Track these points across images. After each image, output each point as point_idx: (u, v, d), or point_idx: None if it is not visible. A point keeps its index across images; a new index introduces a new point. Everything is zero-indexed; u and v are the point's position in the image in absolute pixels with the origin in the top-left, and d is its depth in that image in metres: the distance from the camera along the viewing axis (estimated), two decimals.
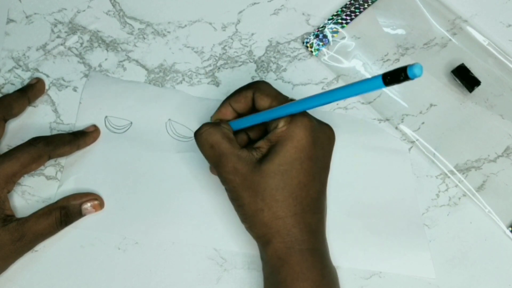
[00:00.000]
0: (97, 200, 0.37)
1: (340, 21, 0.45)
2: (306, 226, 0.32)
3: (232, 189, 0.32)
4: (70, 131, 0.40)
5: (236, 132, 0.35)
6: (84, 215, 0.37)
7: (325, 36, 0.45)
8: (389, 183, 0.41)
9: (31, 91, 0.41)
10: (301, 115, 0.32)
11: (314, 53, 0.44)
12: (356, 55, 0.45)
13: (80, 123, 0.41)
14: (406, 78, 0.24)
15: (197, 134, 0.34)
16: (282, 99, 0.34)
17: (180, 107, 0.42)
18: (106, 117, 0.41)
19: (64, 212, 0.36)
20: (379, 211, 0.40)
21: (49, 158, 0.37)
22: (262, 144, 0.32)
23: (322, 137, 0.33)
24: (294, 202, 0.31)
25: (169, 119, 0.41)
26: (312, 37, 0.44)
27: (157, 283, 0.37)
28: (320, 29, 0.45)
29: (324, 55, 0.45)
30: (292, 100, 0.35)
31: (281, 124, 0.32)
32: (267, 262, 0.32)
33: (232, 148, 0.32)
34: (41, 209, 0.36)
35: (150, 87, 0.42)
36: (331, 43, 0.45)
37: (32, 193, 0.39)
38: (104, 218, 0.38)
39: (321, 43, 0.44)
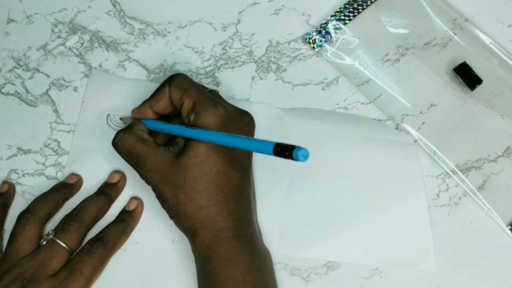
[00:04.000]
0: None
1: (343, 17, 0.45)
2: (231, 213, 0.32)
3: (154, 187, 0.33)
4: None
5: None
6: None
7: (327, 33, 0.45)
8: (394, 176, 0.41)
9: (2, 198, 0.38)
10: (211, 104, 0.33)
11: (316, 49, 0.44)
12: (357, 54, 0.45)
13: (82, 122, 0.41)
14: (290, 156, 0.24)
15: (114, 144, 0.34)
16: (194, 92, 0.33)
17: None
18: (108, 115, 0.41)
19: None
20: (384, 205, 0.40)
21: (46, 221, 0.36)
22: (179, 139, 0.33)
23: (238, 124, 0.34)
24: (215, 191, 0.32)
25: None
26: (314, 33, 0.44)
27: (157, 283, 0.37)
28: (322, 25, 0.45)
29: (327, 51, 0.45)
30: (212, 91, 0.36)
31: (192, 117, 0.33)
32: (197, 254, 0.33)
33: (148, 148, 0.33)
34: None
35: (153, 85, 0.42)
36: (334, 39, 0.45)
37: (32, 193, 0.39)
38: (105, 217, 0.38)
39: (323, 39, 0.44)
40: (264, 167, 0.40)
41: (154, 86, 0.42)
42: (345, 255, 0.38)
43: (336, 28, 0.45)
